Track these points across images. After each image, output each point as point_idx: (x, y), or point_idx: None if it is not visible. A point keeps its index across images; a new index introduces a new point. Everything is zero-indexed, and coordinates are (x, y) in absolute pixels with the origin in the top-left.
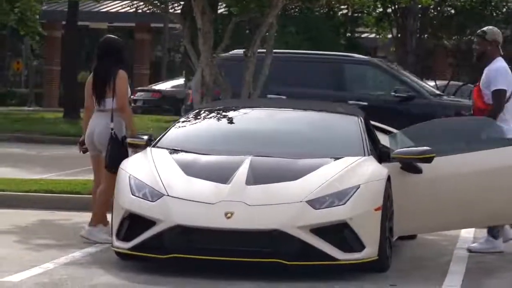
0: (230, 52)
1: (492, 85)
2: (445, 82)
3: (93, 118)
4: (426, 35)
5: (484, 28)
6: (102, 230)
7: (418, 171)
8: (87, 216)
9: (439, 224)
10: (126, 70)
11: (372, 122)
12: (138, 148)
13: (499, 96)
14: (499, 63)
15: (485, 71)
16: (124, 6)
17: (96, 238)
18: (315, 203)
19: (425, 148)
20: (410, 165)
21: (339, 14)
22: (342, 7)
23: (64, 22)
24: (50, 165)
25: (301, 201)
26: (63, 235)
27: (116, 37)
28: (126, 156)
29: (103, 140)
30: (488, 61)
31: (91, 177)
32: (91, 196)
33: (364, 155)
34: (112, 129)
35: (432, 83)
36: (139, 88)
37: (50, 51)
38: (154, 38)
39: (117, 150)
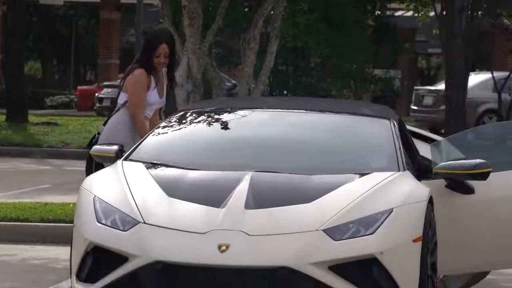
0: None
1: None
2: (505, 74)
3: None
4: (480, 12)
5: None
6: None
7: (469, 190)
8: (39, 250)
9: (498, 260)
10: (148, 74)
11: (409, 127)
12: (105, 161)
13: None
14: None
15: None
16: None
17: None
18: (335, 232)
19: (478, 160)
20: (458, 183)
21: None
22: None
23: None
24: None
25: (316, 230)
26: (7, 275)
27: (161, 29)
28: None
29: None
30: None
31: (42, 199)
32: (42, 224)
33: (399, 170)
34: (98, 133)
35: (487, 76)
36: (105, 83)
37: None
38: (124, 17)
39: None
